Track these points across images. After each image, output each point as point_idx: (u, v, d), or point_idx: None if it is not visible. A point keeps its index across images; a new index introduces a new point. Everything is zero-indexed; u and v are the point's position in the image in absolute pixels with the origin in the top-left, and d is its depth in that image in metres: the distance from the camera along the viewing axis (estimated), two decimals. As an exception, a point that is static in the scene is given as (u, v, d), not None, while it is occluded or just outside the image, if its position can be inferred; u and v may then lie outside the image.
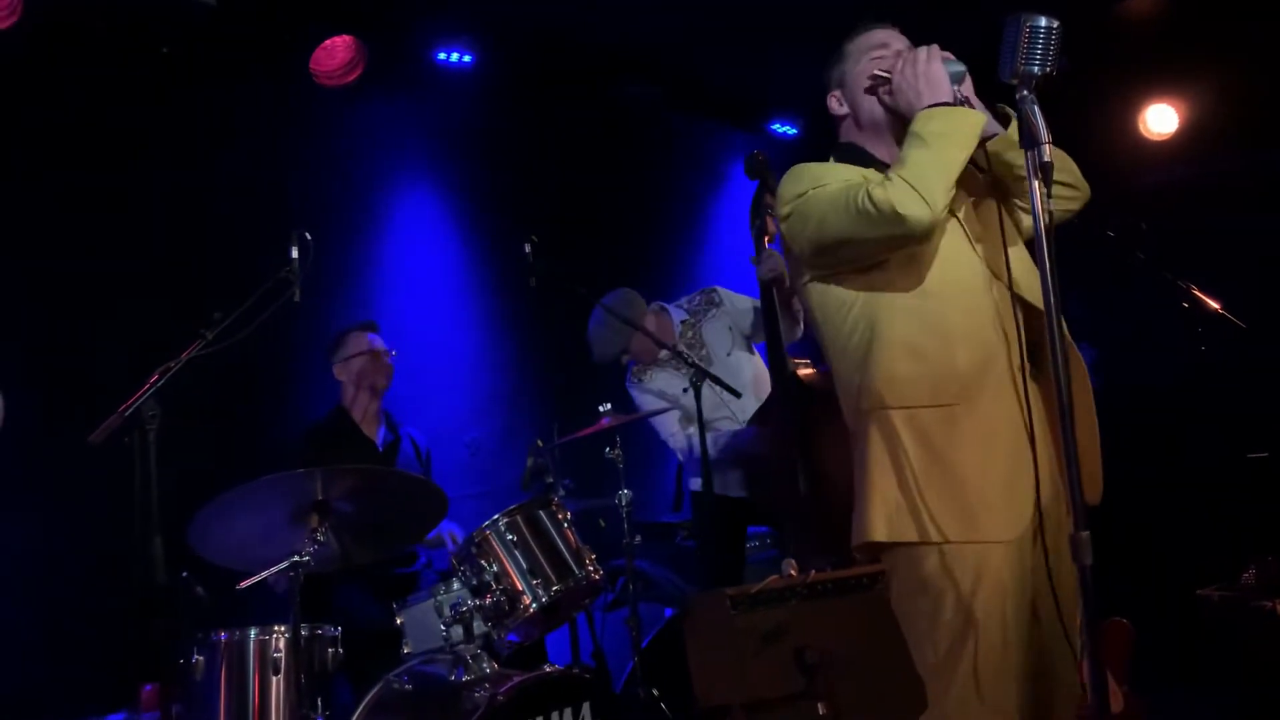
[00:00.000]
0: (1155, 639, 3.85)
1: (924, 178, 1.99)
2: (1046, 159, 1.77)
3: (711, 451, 3.93)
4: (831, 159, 2.30)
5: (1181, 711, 3.85)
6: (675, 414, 3.97)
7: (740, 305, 4.13)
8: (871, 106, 2.24)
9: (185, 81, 4.10)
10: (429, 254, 4.96)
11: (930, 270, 2.09)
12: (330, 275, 3.96)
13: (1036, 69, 1.78)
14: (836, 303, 2.18)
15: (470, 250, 5.07)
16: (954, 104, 2.05)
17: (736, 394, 3.79)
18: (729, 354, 4.08)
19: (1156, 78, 5.41)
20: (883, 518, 2.09)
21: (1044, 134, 1.77)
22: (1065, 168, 2.20)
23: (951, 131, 2.01)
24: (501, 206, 4.99)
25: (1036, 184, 1.76)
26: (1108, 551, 1.83)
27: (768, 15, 5.00)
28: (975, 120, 2.05)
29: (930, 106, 2.05)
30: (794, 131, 6.19)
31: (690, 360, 3.73)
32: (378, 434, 3.92)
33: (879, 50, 2.26)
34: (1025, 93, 1.79)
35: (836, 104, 2.33)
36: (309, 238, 3.00)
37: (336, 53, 4.24)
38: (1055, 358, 1.76)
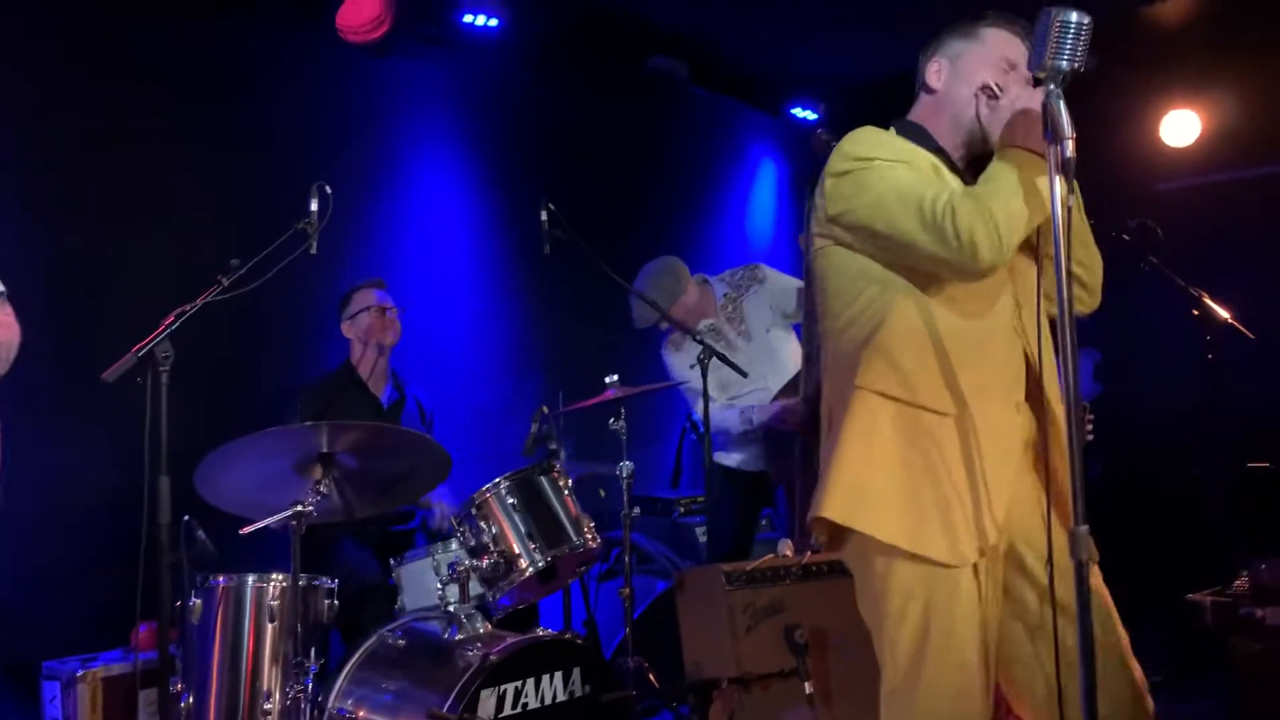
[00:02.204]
0: (1145, 643, 3.88)
1: (1012, 224, 1.91)
2: (1069, 154, 1.76)
3: (738, 424, 3.97)
4: (892, 129, 2.19)
5: (1171, 717, 3.88)
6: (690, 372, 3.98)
7: (783, 284, 4.13)
8: (965, 107, 2.11)
9: (212, 27, 4.10)
10: (445, 215, 4.97)
11: (961, 283, 2.03)
12: (347, 230, 3.95)
13: (1065, 64, 1.77)
14: (856, 275, 2.08)
15: (486, 214, 5.08)
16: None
17: (743, 374, 3.82)
18: (768, 330, 4.10)
19: (1179, 84, 5.40)
20: (839, 498, 2.00)
21: (1068, 129, 1.76)
22: (1092, 269, 2.15)
23: (1046, 195, 1.86)
24: (520, 172, 4.99)
25: (1058, 179, 1.76)
26: (1100, 554, 1.84)
27: (793, 2, 4.99)
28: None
29: (1030, 151, 1.94)
30: (814, 116, 6.18)
31: (699, 339, 3.76)
32: (384, 392, 3.94)
33: (1006, 65, 2.10)
34: (1053, 87, 1.78)
35: (935, 76, 2.16)
36: (329, 190, 3.01)
37: (364, 8, 4.23)
38: (1065, 367, 1.75)
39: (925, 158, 2.10)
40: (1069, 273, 1.75)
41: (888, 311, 2.04)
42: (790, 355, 4.11)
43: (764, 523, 4.63)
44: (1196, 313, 4.17)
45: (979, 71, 2.11)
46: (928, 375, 2.01)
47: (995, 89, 2.06)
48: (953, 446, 1.98)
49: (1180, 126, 5.46)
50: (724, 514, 4.11)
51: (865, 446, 2.01)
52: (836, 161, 2.10)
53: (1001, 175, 1.95)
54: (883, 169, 2.04)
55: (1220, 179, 5.37)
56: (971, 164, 2.13)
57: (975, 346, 2.02)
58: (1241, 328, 4.08)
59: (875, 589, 2.03)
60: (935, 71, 2.17)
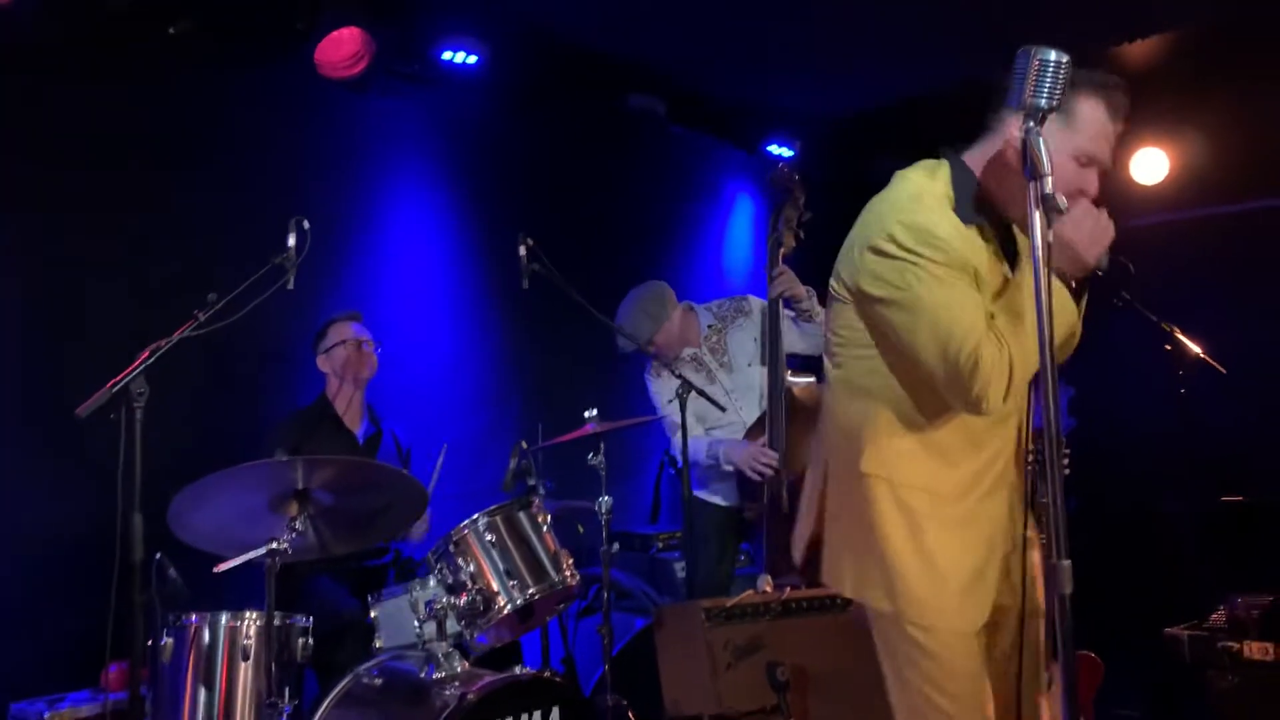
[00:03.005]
0: (1123, 676, 3.88)
1: (1026, 371, 1.99)
2: (1048, 190, 1.78)
3: (705, 458, 3.96)
4: (944, 170, 2.11)
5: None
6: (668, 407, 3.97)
7: None
8: (1016, 183, 1.93)
9: (190, 63, 4.09)
10: (423, 250, 4.96)
11: None
12: (324, 264, 3.95)
13: (1043, 102, 1.79)
14: (866, 338, 2.14)
15: (464, 249, 5.08)
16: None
17: (721, 408, 3.82)
18: (749, 364, 4.11)
19: (1149, 123, 5.49)
20: (851, 577, 2.15)
21: (1047, 166, 1.78)
22: (1067, 347, 2.18)
23: (1068, 310, 1.98)
24: (498, 207, 5.00)
25: (1037, 215, 1.78)
26: (1077, 587, 1.86)
27: (770, 40, 5.05)
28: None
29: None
30: (790, 152, 6.23)
31: (677, 373, 3.75)
32: (360, 427, 3.91)
33: (1085, 158, 2.04)
34: (1031, 124, 1.80)
35: (1016, 132, 1.83)
36: (306, 226, 3.00)
37: (343, 44, 4.23)
38: (1045, 402, 1.77)
39: (966, 253, 2.03)
40: (1049, 310, 1.76)
41: (886, 394, 2.12)
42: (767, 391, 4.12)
43: (743, 558, 4.62)
44: (1169, 347, 4.22)
45: (1058, 156, 1.88)
46: (928, 465, 2.10)
47: (1060, 205, 1.79)
48: (947, 521, 2.09)
49: (1150, 164, 5.55)
50: (702, 549, 4.09)
51: (867, 526, 2.11)
52: (882, 240, 2.03)
53: (1030, 315, 1.89)
54: (927, 278, 1.99)
55: (1189, 216, 5.45)
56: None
57: (980, 432, 2.12)
58: (1213, 362, 4.13)
59: (885, 647, 2.15)
60: (1016, 125, 1.87)
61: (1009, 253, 2.16)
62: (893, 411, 2.11)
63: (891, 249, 2.02)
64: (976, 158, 2.14)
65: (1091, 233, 2.01)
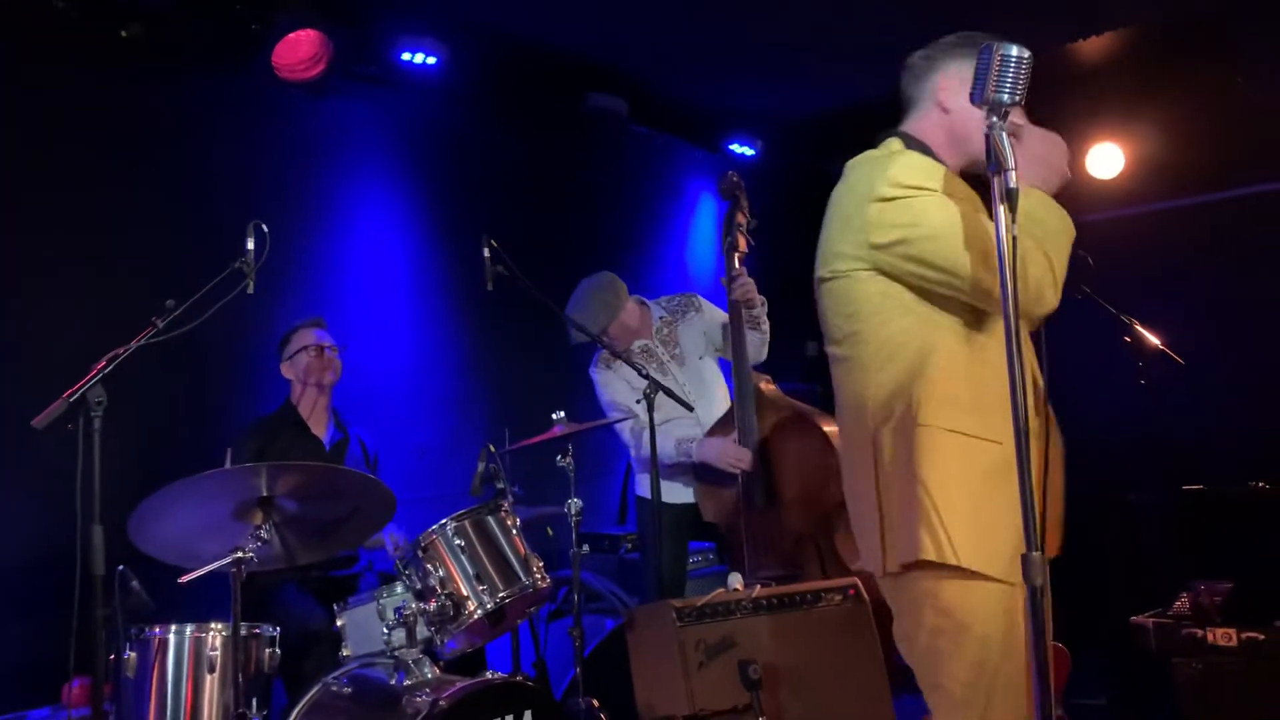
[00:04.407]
0: (1089, 666, 3.93)
1: (1065, 267, 2.00)
2: (1012, 185, 1.79)
3: (674, 455, 3.96)
4: (898, 140, 2.20)
5: (1115, 738, 3.93)
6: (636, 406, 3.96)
7: (716, 317, 4.18)
8: (976, 133, 1.92)
9: (145, 66, 4.03)
10: (385, 253, 4.92)
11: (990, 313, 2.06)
12: (285, 269, 3.90)
13: (1006, 97, 1.81)
14: (893, 305, 2.09)
15: (427, 251, 5.04)
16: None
17: (689, 407, 3.82)
18: (700, 358, 4.14)
19: (1103, 118, 5.56)
20: (929, 538, 2.01)
21: (1010, 160, 1.79)
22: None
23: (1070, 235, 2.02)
24: (460, 209, 4.97)
25: (1002, 209, 1.79)
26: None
27: (731, 40, 5.06)
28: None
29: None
30: (752, 152, 6.25)
31: (644, 373, 3.75)
32: (325, 432, 3.87)
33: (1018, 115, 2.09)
34: (994, 119, 1.81)
35: (946, 93, 2.16)
36: (265, 230, 2.96)
37: (300, 46, 4.19)
38: (1012, 376, 1.77)
39: (961, 190, 2.10)
40: (1016, 302, 1.77)
41: (933, 345, 2.07)
42: (717, 384, 4.16)
43: (711, 557, 4.62)
44: (1129, 339, 4.28)
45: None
46: (981, 408, 2.04)
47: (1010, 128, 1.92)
48: (1009, 475, 1.96)
49: (1105, 159, 5.63)
50: (651, 547, 4.09)
51: (940, 482, 2.03)
52: (883, 186, 2.07)
53: (1045, 216, 2.03)
54: (938, 201, 2.05)
55: (1143, 210, 5.53)
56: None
57: (1003, 380, 2.01)
58: (1172, 354, 4.19)
59: (950, 619, 2.04)
60: (945, 89, 2.18)
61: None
62: (936, 364, 2.07)
63: (895, 191, 2.06)
64: (915, 127, 2.23)
65: (1045, 140, 2.09)
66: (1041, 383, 2.15)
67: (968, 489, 2.02)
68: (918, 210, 2.04)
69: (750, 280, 3.88)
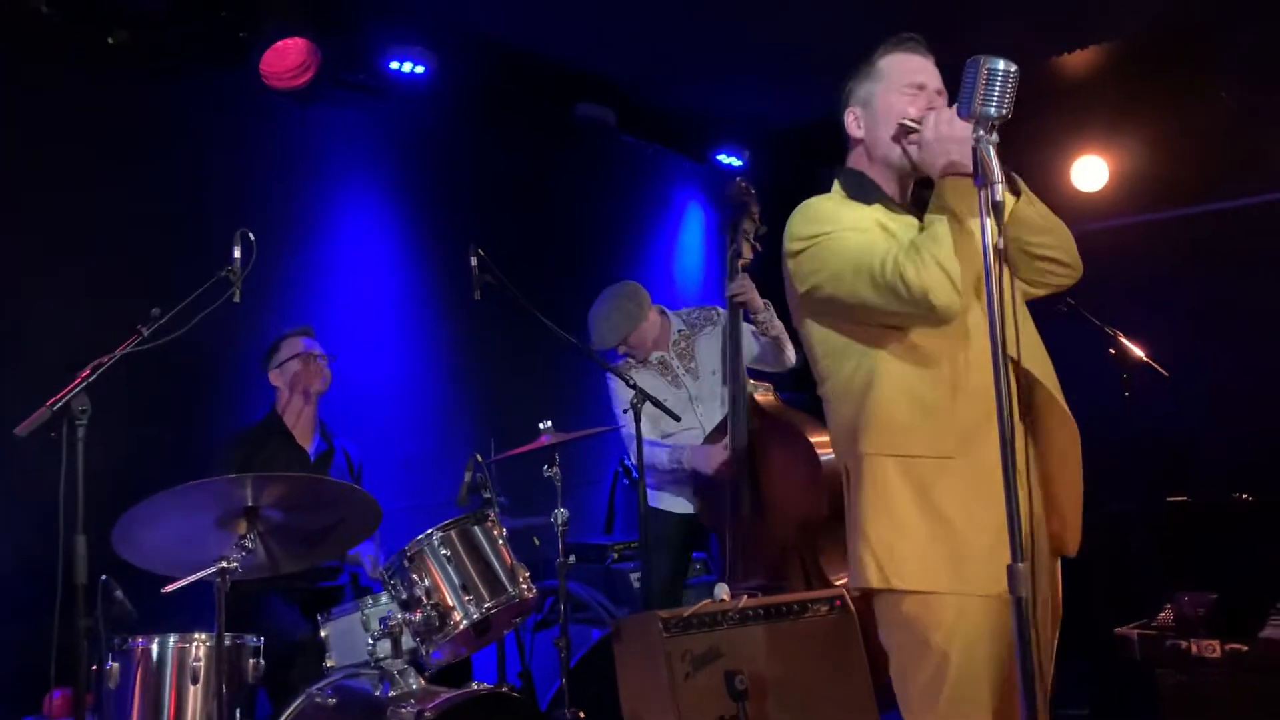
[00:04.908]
0: (1073, 677, 3.94)
1: (956, 263, 1.97)
2: (998, 198, 1.80)
3: (668, 463, 3.97)
4: (836, 184, 2.26)
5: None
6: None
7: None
8: (890, 149, 2.17)
9: (132, 73, 4.01)
10: (373, 262, 4.91)
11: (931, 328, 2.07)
12: (271, 277, 3.88)
13: (993, 110, 1.82)
14: (839, 342, 2.15)
15: (414, 260, 5.03)
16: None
17: (676, 418, 3.83)
18: (714, 372, 4.14)
19: (1089, 131, 5.60)
20: (874, 565, 2.06)
21: (997, 173, 1.80)
22: (1064, 246, 2.21)
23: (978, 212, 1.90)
24: (448, 218, 4.96)
25: (989, 221, 1.80)
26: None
27: (718, 50, 5.07)
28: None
29: (957, 175, 1.99)
30: (739, 162, 6.26)
31: (631, 383, 3.75)
32: (311, 442, 3.85)
33: (912, 90, 2.17)
34: (981, 133, 1.82)
35: (855, 125, 2.24)
36: (252, 238, 2.95)
37: (288, 55, 4.18)
38: (999, 386, 1.77)
39: (870, 215, 2.15)
40: (1000, 301, 1.77)
41: (873, 376, 2.10)
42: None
43: (698, 566, 4.62)
44: (1113, 351, 4.31)
45: (891, 109, 2.17)
46: (925, 425, 2.06)
47: (913, 124, 2.11)
48: (959, 486, 2.04)
49: (1090, 172, 5.67)
50: (655, 558, 4.09)
51: (883, 510, 2.07)
52: (790, 242, 2.17)
53: (940, 214, 2.02)
54: (833, 241, 2.11)
55: (1128, 222, 5.57)
56: (924, 184, 2.18)
57: (966, 378, 2.06)
58: (1156, 365, 4.21)
59: (907, 625, 2.06)
60: (853, 122, 2.25)
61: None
62: (874, 392, 2.10)
63: (799, 245, 2.16)
64: (851, 160, 2.29)
65: (951, 134, 2.02)
66: (1035, 375, 2.09)
67: (912, 510, 2.04)
68: (820, 256, 2.12)
69: (749, 284, 3.88)
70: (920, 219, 2.12)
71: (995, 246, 1.79)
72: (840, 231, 2.11)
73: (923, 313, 2.00)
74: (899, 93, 2.17)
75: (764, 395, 3.93)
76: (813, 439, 3.62)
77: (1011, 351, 1.86)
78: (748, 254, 3.89)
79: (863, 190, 2.21)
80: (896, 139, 2.16)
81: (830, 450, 3.10)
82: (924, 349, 2.08)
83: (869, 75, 2.23)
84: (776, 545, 3.69)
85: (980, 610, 2.00)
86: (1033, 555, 2.02)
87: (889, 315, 2.06)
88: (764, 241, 3.89)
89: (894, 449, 2.07)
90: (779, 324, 3.95)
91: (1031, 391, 2.08)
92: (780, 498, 3.68)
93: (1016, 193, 2.11)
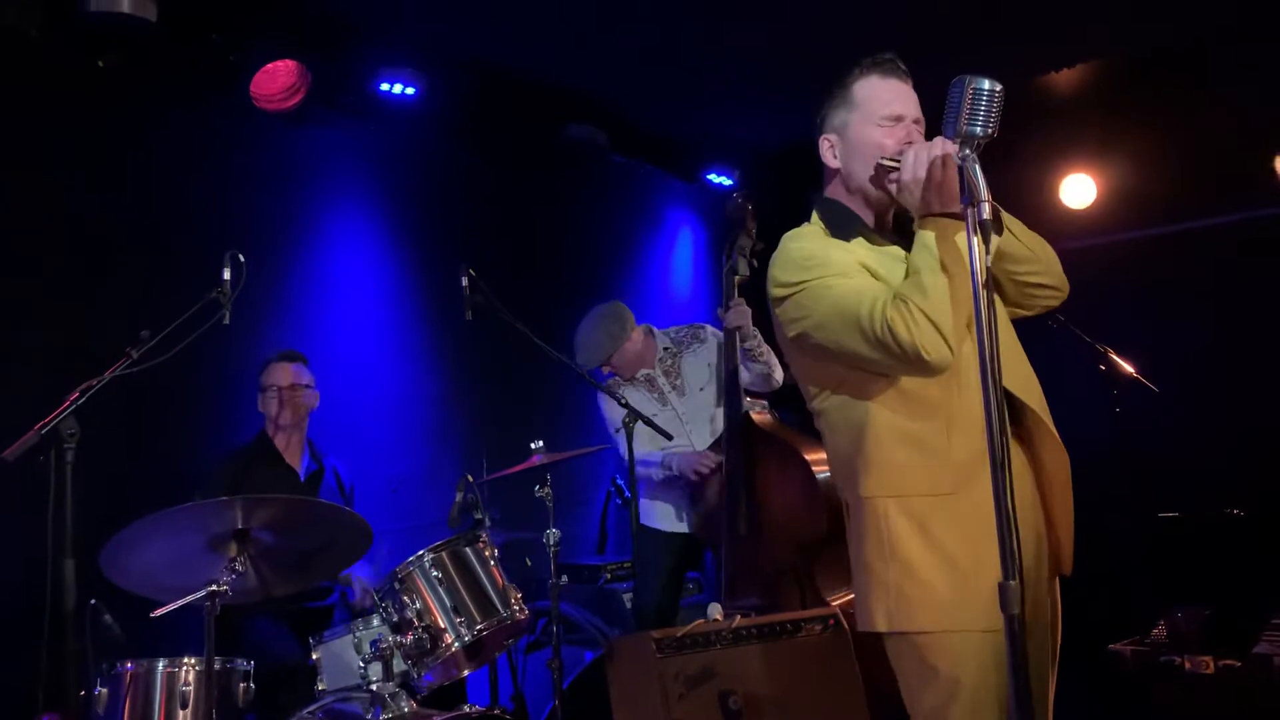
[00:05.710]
0: (1067, 694, 3.91)
1: (947, 315, 1.94)
2: (985, 216, 1.80)
3: (659, 471, 3.98)
4: (815, 214, 2.22)
5: (1094, 766, 3.92)
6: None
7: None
8: (867, 184, 2.15)
9: (122, 97, 4.02)
10: (363, 283, 4.91)
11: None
12: (262, 299, 3.89)
13: (979, 130, 1.83)
14: (830, 380, 2.14)
15: (405, 281, 5.03)
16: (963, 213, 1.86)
17: (668, 436, 3.83)
18: (701, 389, 4.15)
19: (1077, 149, 5.63)
20: (882, 610, 2.06)
21: (984, 192, 1.81)
22: (1050, 269, 2.20)
23: (965, 255, 1.85)
24: (438, 239, 4.97)
25: (975, 241, 1.79)
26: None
27: (709, 71, 5.10)
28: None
29: (941, 216, 1.98)
30: (729, 181, 6.29)
31: (621, 400, 3.75)
32: (301, 463, 3.84)
33: (889, 122, 2.13)
34: (967, 152, 1.83)
35: (830, 154, 2.21)
36: (242, 259, 2.95)
37: (278, 77, 4.19)
38: (988, 401, 1.75)
39: (852, 257, 2.11)
40: (990, 328, 1.75)
41: (867, 415, 2.09)
42: (719, 416, 4.13)
43: (690, 587, 4.60)
44: (1103, 368, 4.31)
45: (868, 143, 2.13)
46: (922, 464, 2.04)
47: (892, 164, 2.07)
48: (961, 522, 2.02)
49: (1078, 189, 5.70)
50: (649, 578, 4.08)
51: (887, 552, 2.05)
52: (773, 288, 2.14)
53: (924, 265, 1.98)
54: (817, 289, 2.07)
55: (1116, 239, 5.59)
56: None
57: (960, 413, 2.04)
58: (1146, 381, 4.22)
59: (919, 663, 2.05)
60: (829, 150, 2.22)
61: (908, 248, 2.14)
62: (870, 431, 2.09)
63: (782, 292, 2.12)
64: (829, 190, 2.26)
65: (930, 179, 2.00)
66: (1020, 399, 2.09)
67: (915, 551, 2.03)
68: (804, 304, 2.09)
69: (746, 309, 3.89)
70: (904, 246, 2.11)
71: (984, 278, 1.75)
72: (824, 278, 2.07)
73: (917, 369, 1.99)
74: (876, 124, 2.14)
75: (761, 415, 3.93)
76: (809, 457, 3.62)
77: (1006, 384, 1.86)
78: (745, 271, 3.89)
79: (842, 223, 2.17)
80: (875, 180, 2.13)
81: (827, 469, 3.10)
82: (916, 389, 2.06)
83: (844, 102, 2.19)
84: (773, 565, 3.68)
85: (990, 644, 1.97)
86: (1035, 582, 2.06)
87: (880, 365, 2.04)
88: (761, 258, 3.91)
89: (894, 490, 2.06)
90: (767, 347, 3.97)
91: (1020, 415, 2.08)
92: (777, 518, 3.68)
93: (999, 230, 2.07)
